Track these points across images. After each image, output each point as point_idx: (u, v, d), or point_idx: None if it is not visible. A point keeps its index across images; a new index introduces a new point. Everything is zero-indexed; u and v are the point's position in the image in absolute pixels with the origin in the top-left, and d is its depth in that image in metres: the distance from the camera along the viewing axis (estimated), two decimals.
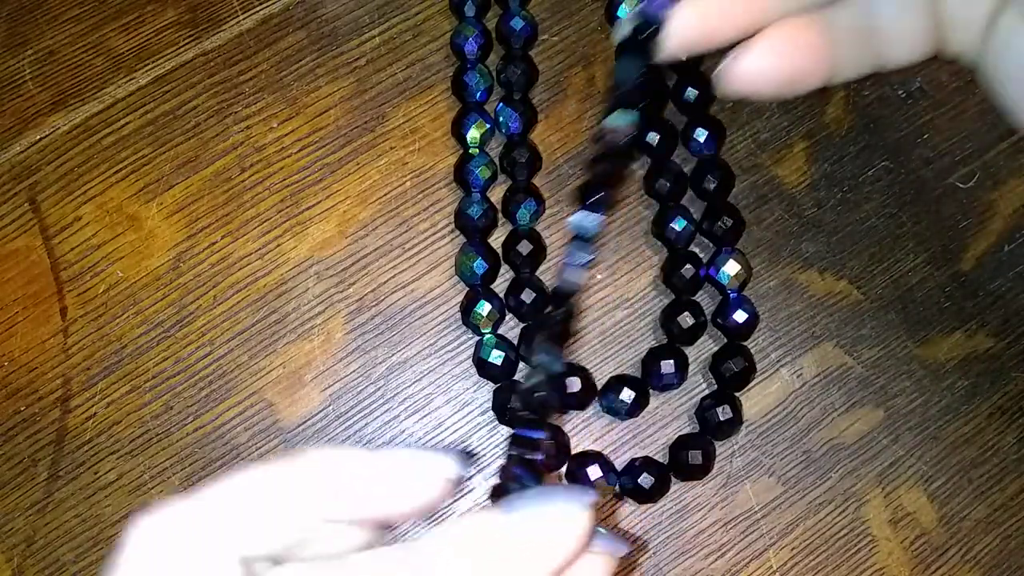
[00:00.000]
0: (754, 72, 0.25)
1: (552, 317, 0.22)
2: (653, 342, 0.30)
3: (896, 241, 0.30)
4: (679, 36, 0.24)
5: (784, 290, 0.30)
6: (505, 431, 0.29)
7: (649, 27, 0.23)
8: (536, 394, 0.21)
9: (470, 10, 0.30)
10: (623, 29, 0.24)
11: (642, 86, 0.23)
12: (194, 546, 0.18)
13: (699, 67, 0.31)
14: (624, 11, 0.30)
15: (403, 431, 0.29)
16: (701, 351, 0.30)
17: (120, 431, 0.29)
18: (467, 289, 0.29)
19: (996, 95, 0.25)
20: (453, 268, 0.29)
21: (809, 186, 0.31)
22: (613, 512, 0.29)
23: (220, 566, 0.18)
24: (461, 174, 0.29)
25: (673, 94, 0.30)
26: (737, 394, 0.29)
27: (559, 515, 0.18)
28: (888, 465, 0.29)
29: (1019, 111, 0.24)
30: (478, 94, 0.30)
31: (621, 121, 0.23)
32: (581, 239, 0.23)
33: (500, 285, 0.29)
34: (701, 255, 0.30)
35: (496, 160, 0.30)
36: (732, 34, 0.24)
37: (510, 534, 0.18)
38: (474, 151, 0.29)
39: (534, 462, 0.21)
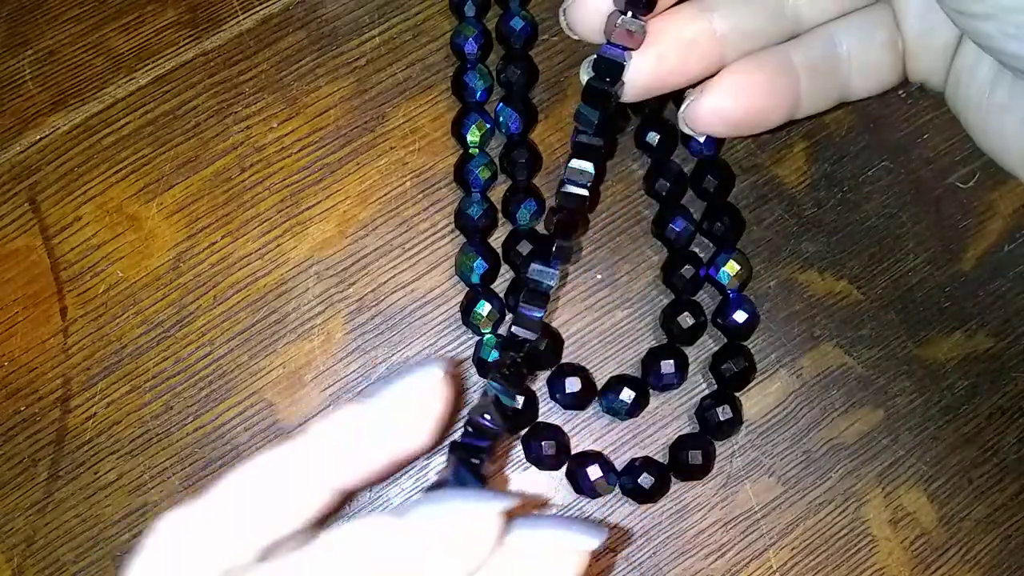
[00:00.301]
0: (713, 113, 0.24)
1: (510, 358, 0.22)
2: (653, 342, 0.30)
3: (896, 241, 0.30)
4: (637, 82, 0.23)
5: (784, 290, 0.30)
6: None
7: (608, 72, 0.23)
8: (483, 418, 0.21)
9: (470, 10, 0.30)
10: (583, 75, 0.24)
11: (601, 133, 0.23)
12: (212, 543, 0.17)
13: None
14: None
15: None
16: (701, 351, 0.30)
17: (120, 431, 0.29)
18: (467, 289, 0.29)
19: (960, 121, 0.25)
20: (453, 268, 0.29)
21: (809, 186, 0.31)
22: (613, 512, 0.29)
23: (233, 562, 0.18)
24: (461, 174, 0.29)
25: (673, 95, 0.30)
26: (737, 394, 0.29)
27: (462, 519, 0.17)
28: (888, 465, 0.29)
29: (981, 136, 0.24)
30: (478, 94, 0.30)
31: (584, 167, 0.23)
32: (536, 293, 0.23)
33: (500, 285, 0.29)
34: (701, 255, 0.30)
35: (496, 160, 0.30)
36: (690, 77, 0.24)
37: (405, 538, 0.17)
38: (474, 151, 0.29)
39: (478, 466, 0.21)
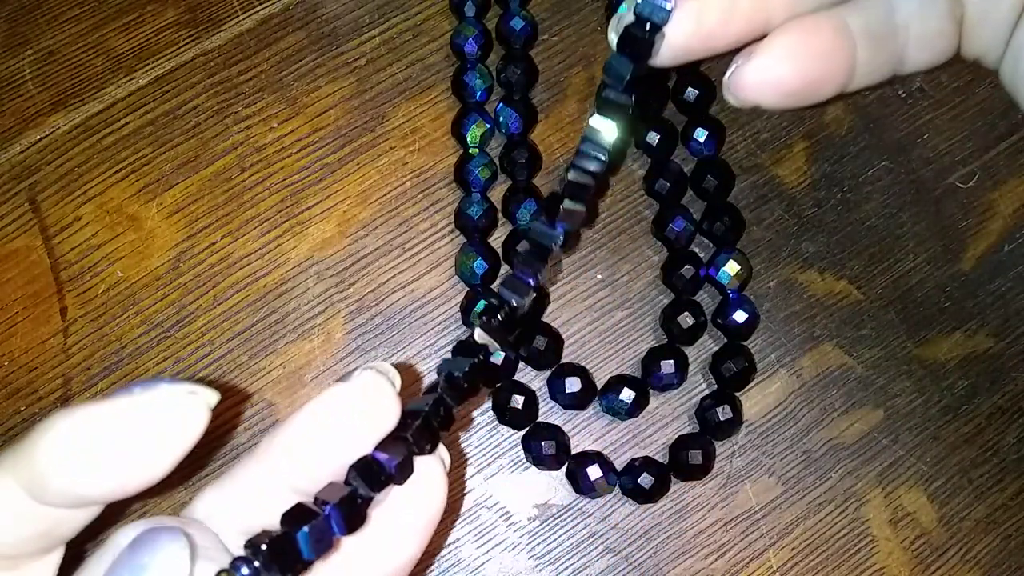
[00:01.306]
0: (765, 79, 0.22)
1: (485, 319, 0.20)
2: (653, 342, 0.30)
3: (896, 241, 0.30)
4: (674, 42, 0.21)
5: (784, 290, 0.30)
6: (505, 431, 0.29)
7: (645, 25, 0.21)
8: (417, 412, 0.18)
9: (470, 10, 0.30)
10: (615, 29, 0.21)
11: (632, 89, 0.21)
12: None
13: (699, 67, 0.31)
14: (624, 8, 0.29)
15: None
16: (701, 351, 0.30)
17: None
18: (467, 289, 0.29)
19: (1017, 98, 0.23)
20: (453, 268, 0.29)
21: (809, 186, 0.31)
22: (613, 512, 0.29)
23: None
24: (461, 174, 0.29)
25: (673, 94, 0.30)
26: (737, 394, 0.29)
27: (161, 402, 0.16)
28: (888, 465, 0.29)
29: None
30: (478, 94, 0.30)
31: (602, 139, 0.21)
32: (534, 255, 0.21)
33: None
34: (701, 255, 0.30)
35: (496, 160, 0.30)
36: (735, 38, 0.22)
37: (114, 422, 0.16)
38: (474, 151, 0.29)
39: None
